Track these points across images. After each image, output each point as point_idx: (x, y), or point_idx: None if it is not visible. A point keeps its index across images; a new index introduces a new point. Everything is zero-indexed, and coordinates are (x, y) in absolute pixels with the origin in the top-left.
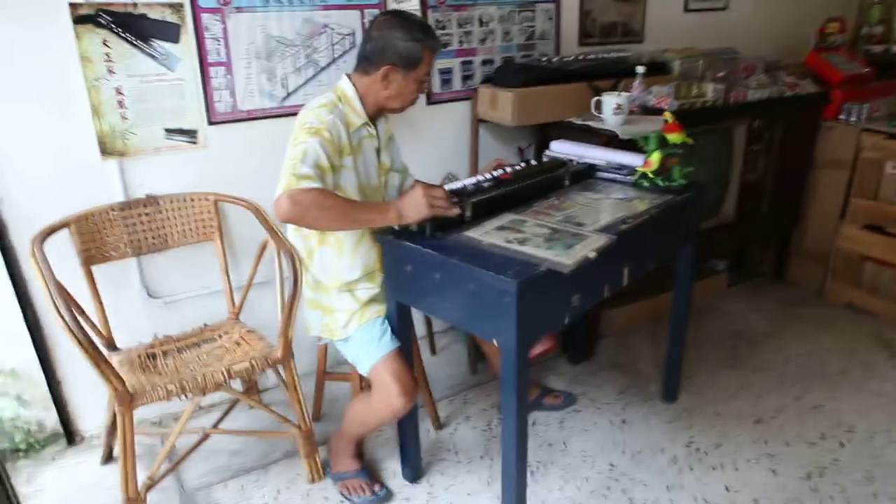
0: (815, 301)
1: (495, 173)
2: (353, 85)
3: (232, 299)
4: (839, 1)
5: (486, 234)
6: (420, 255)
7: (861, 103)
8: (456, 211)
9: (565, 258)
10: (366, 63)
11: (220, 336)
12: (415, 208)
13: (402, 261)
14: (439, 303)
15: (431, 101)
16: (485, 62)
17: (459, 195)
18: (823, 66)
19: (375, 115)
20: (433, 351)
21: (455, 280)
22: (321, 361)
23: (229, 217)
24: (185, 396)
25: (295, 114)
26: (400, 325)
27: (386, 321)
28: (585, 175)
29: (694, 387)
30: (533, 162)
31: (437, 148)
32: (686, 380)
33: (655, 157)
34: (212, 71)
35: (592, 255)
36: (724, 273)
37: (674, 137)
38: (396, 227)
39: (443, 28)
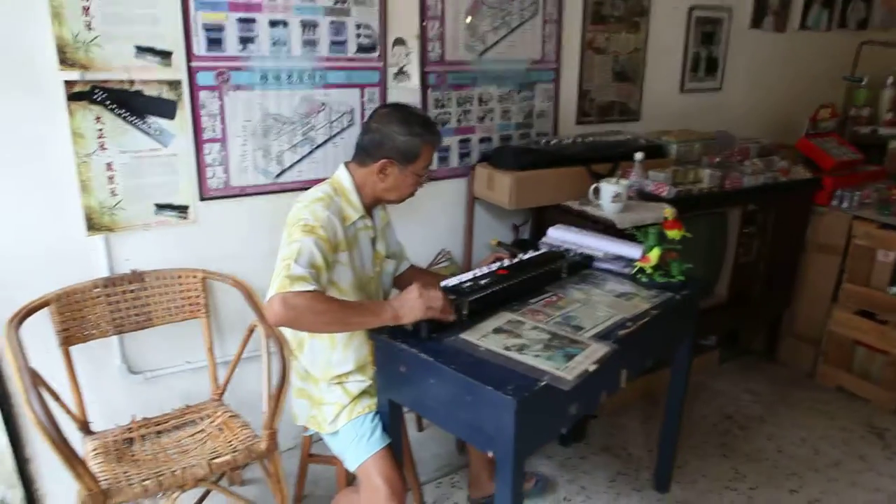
0: (806, 382)
1: (492, 267)
2: (351, 175)
3: (216, 379)
4: (827, 82)
5: (484, 337)
6: (415, 359)
7: (853, 190)
8: (453, 317)
9: (566, 373)
10: (363, 154)
11: (201, 419)
12: (411, 310)
13: (395, 361)
14: (433, 407)
15: (429, 179)
16: (483, 140)
17: (456, 293)
18: (816, 151)
19: (372, 205)
20: (420, 427)
21: (451, 389)
22: (306, 447)
23: (217, 294)
24: (163, 494)
25: (289, 191)
26: (391, 421)
27: (377, 417)
28: (583, 265)
29: (686, 476)
30: (529, 254)
31: (433, 224)
32: (678, 468)
33: (654, 254)
34: (206, 147)
35: (593, 367)
36: (716, 350)
37: (673, 234)
38: (391, 326)
39: (442, 107)
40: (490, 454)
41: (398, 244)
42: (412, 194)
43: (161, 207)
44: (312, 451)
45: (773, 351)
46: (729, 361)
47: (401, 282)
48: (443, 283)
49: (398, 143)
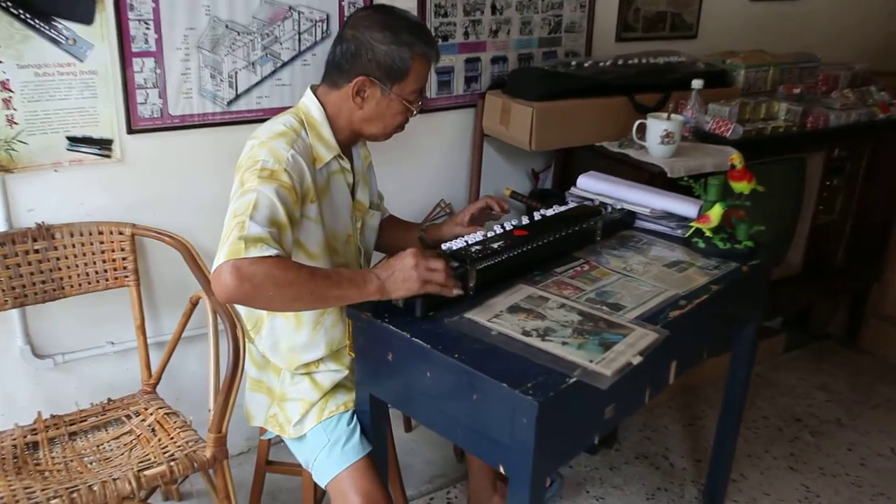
0: None
1: (507, 225)
2: (321, 102)
3: (148, 366)
4: None
5: (497, 318)
6: (406, 344)
7: None
8: (457, 291)
9: (603, 366)
10: (335, 72)
11: (129, 417)
12: (403, 283)
13: (380, 346)
14: (427, 407)
15: (424, 109)
16: (496, 61)
17: (461, 259)
18: None
19: (350, 142)
20: (408, 427)
21: (452, 384)
22: (263, 453)
23: (150, 256)
24: None
25: (246, 122)
26: (373, 423)
27: (355, 418)
28: (622, 225)
29: (743, 493)
30: (553, 209)
31: (428, 168)
32: (733, 483)
33: (716, 212)
34: (135, 62)
35: (636, 360)
36: (782, 334)
37: (740, 186)
38: (376, 301)
39: (444, 15)
40: (500, 469)
41: (378, 194)
42: (400, 128)
43: (75, 142)
44: (271, 458)
45: (855, 336)
46: (798, 349)
47: (378, 239)
48: (444, 246)
49: (379, 55)
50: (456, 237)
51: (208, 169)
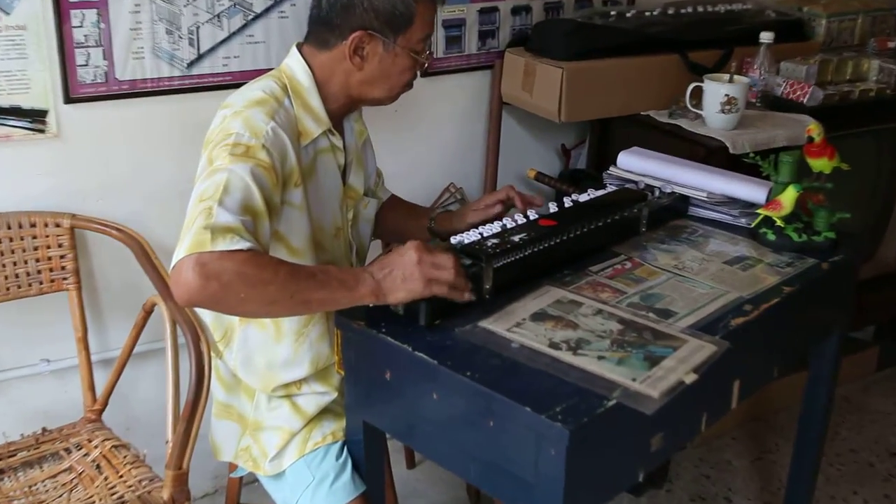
0: None
1: (532, 213)
2: (308, 64)
3: (91, 388)
4: None
5: (519, 327)
6: (407, 360)
7: None
8: (469, 295)
9: (648, 386)
10: (324, 29)
11: (68, 451)
12: (403, 283)
13: (376, 362)
14: (434, 437)
15: (429, 71)
16: (517, 11)
17: (474, 256)
18: None
19: (344, 112)
20: (410, 462)
21: (464, 408)
22: (232, 494)
23: (94, 252)
24: None
25: (210, 88)
26: (367, 456)
27: (345, 450)
28: (672, 212)
29: None
30: (588, 194)
31: (433, 145)
32: None
33: (789, 196)
34: (74, 16)
35: (690, 378)
36: (873, 347)
37: (819, 164)
38: (371, 305)
39: None
40: None
41: (374, 172)
42: (409, 85)
43: (1, 113)
44: (243, 501)
45: None
46: (893, 366)
47: (377, 226)
48: (454, 240)
49: (377, 2)
50: (473, 227)
51: (165, 146)
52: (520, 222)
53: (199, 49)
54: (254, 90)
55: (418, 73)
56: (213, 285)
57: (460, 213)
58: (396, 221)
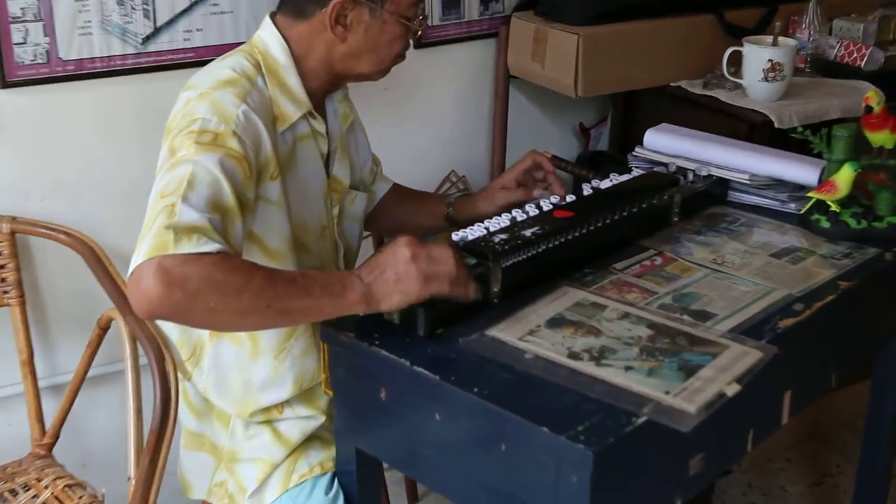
0: None
1: (545, 204)
2: (284, 38)
3: (40, 418)
4: None
5: (533, 335)
6: (405, 376)
7: None
8: (475, 293)
9: (683, 400)
10: None
11: (14, 493)
12: (397, 285)
13: (369, 379)
14: (438, 465)
15: (423, 41)
16: None
17: (479, 254)
18: None
19: (326, 91)
20: (413, 495)
21: (472, 430)
22: None
23: (39, 261)
24: None
25: (169, 68)
26: (362, 490)
27: (335, 483)
28: (710, 199)
29: None
30: (611, 179)
31: (431, 125)
32: None
33: (845, 177)
34: None
35: (732, 389)
36: None
37: (881, 139)
38: (362, 314)
39: None
40: None
41: (370, 160)
42: (401, 57)
43: None
44: None
45: None
46: None
47: (377, 220)
48: (455, 236)
49: None
50: (505, 210)
51: (120, 136)
52: (531, 213)
53: (155, 22)
54: (221, 68)
55: (411, 42)
56: (177, 294)
57: (484, 195)
58: (405, 214)
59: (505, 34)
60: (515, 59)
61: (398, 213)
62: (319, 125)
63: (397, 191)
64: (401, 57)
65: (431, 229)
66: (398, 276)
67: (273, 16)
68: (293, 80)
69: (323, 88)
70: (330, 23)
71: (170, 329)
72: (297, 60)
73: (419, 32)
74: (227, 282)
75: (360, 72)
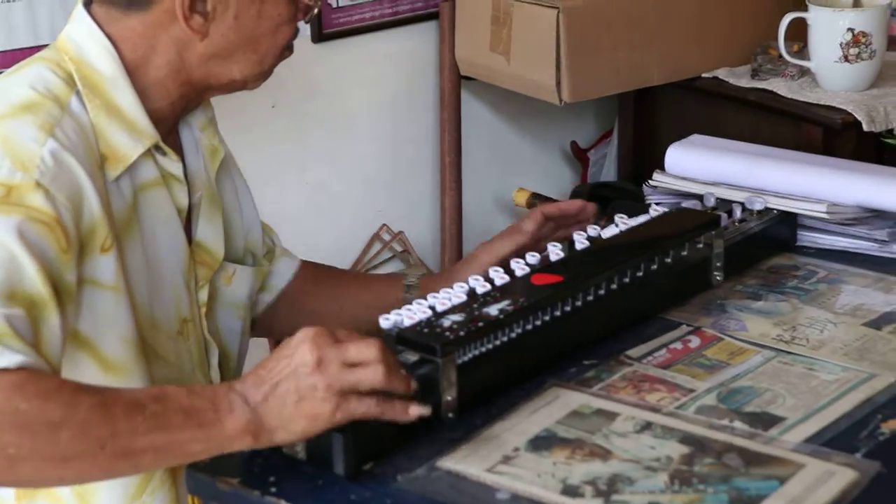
0: None
1: (517, 266)
2: (108, 37)
3: None
4: None
5: (507, 464)
6: None
7: None
8: (420, 410)
9: None
10: None
11: None
12: (298, 407)
13: None
14: None
15: (325, 30)
16: None
17: (422, 345)
18: None
19: (179, 115)
20: None
21: None
22: None
23: None
24: None
25: None
26: None
27: None
28: (768, 244)
29: None
30: (619, 223)
31: (347, 157)
32: None
33: None
34: None
35: None
36: None
37: None
38: (248, 450)
39: None
40: None
41: (258, 221)
42: (288, 49)
43: None
44: None
45: None
46: None
47: (280, 321)
48: (385, 321)
49: None
50: (513, 257)
51: None
52: (498, 281)
53: None
54: (15, 87)
55: (300, 27)
56: None
57: (468, 260)
58: (329, 308)
59: (448, 15)
60: (467, 52)
61: (317, 307)
62: (173, 165)
63: (312, 272)
64: (288, 50)
65: (365, 324)
66: (300, 393)
67: (89, 5)
68: (127, 100)
69: (174, 109)
70: (182, 11)
71: None
72: (132, 70)
73: (315, 10)
74: (36, 414)
75: (231, 78)
